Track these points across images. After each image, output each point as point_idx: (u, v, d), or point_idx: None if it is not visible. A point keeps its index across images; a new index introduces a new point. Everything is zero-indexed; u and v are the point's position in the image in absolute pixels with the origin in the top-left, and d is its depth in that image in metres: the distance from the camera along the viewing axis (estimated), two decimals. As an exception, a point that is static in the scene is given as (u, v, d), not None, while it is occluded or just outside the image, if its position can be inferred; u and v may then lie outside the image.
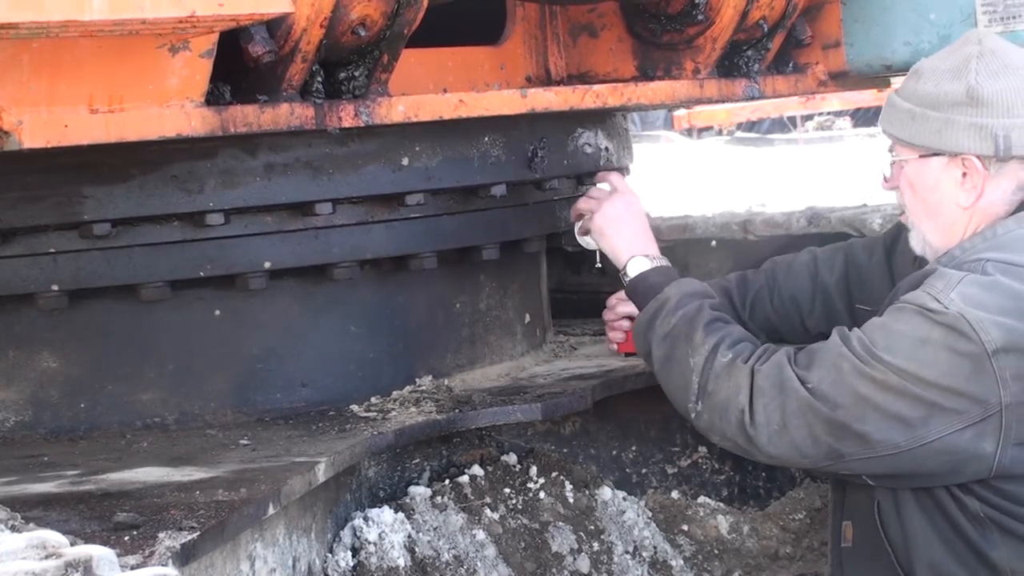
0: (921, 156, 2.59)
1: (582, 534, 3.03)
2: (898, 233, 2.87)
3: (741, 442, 2.54)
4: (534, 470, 3.12)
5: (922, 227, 2.65)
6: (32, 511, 2.20)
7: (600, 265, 3.05)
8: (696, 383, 2.60)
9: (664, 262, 2.87)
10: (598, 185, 3.02)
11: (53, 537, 1.63)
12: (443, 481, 3.00)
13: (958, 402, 2.39)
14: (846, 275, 2.98)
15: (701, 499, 3.36)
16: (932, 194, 2.60)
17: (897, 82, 3.72)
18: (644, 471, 3.40)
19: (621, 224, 2.90)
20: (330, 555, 2.70)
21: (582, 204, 2.99)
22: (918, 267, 2.65)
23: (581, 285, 3.80)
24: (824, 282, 3.01)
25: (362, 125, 2.61)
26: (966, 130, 2.52)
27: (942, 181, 2.58)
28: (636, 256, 2.86)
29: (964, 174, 2.55)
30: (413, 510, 2.85)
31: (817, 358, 2.50)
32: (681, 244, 3.72)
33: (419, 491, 2.92)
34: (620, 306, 3.11)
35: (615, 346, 3.19)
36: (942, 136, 2.55)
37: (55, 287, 2.73)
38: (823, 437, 2.46)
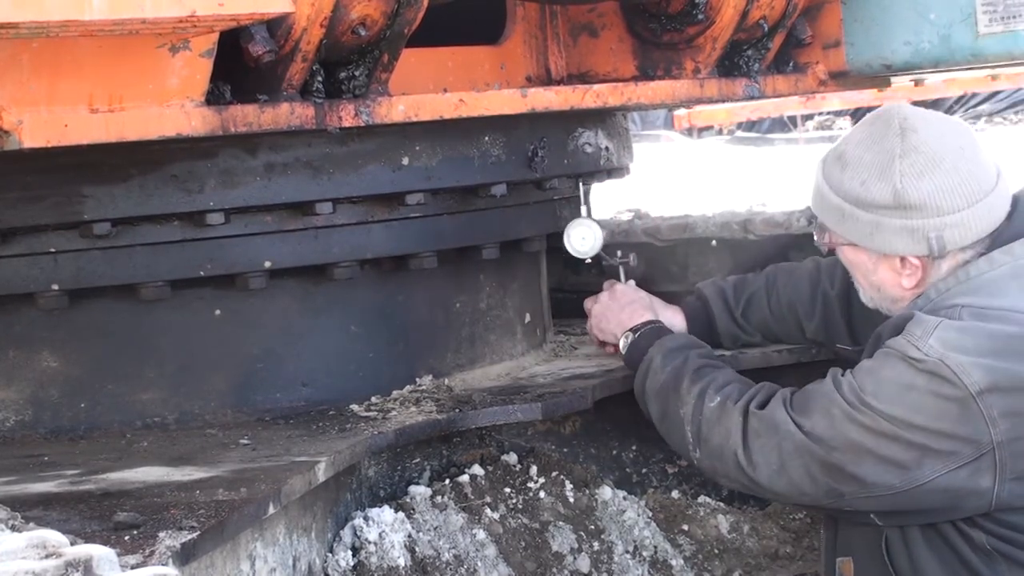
0: (855, 246, 2.60)
1: (582, 534, 3.03)
2: None
3: (744, 481, 2.63)
4: (534, 470, 3.12)
5: (868, 292, 2.68)
6: (32, 511, 2.20)
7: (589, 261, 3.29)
8: (690, 432, 2.68)
9: (647, 327, 2.98)
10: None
11: (53, 537, 1.62)
12: (443, 481, 2.99)
13: (950, 444, 2.40)
14: (846, 287, 2.99)
15: (701, 499, 3.36)
16: (872, 275, 2.63)
17: (897, 82, 3.73)
18: (644, 471, 3.39)
19: (605, 320, 3.13)
20: (330, 555, 2.70)
21: (589, 318, 3.23)
22: None
23: (581, 285, 3.79)
24: (825, 291, 3.03)
25: (362, 125, 2.61)
26: (898, 233, 2.51)
27: (880, 267, 2.60)
28: (623, 334, 3.01)
29: (902, 263, 2.56)
30: (413, 510, 2.85)
31: (811, 403, 2.53)
32: (681, 244, 3.72)
33: (419, 491, 2.92)
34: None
35: (610, 348, 3.20)
36: (874, 238, 2.55)
37: (55, 287, 2.72)
38: (821, 478, 2.50)
